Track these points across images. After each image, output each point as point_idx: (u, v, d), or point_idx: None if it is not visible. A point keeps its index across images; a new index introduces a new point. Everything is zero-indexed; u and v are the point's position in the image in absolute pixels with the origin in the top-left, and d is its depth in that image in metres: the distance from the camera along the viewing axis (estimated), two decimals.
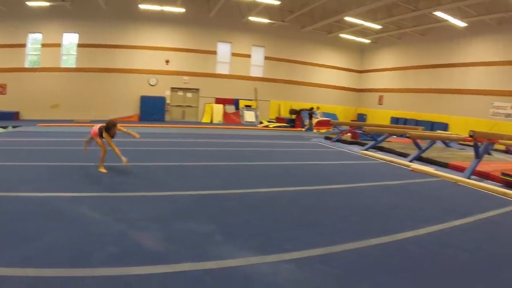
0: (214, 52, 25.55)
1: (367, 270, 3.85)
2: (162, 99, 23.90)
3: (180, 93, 24.79)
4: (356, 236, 4.78)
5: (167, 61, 23.98)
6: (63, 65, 22.18)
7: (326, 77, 29.61)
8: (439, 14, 19.90)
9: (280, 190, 7.06)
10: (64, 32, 21.95)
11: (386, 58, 29.08)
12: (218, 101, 25.57)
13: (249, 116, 25.34)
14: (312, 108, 23.82)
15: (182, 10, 22.27)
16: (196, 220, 4.98)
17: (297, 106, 25.90)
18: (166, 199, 5.94)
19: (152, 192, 6.23)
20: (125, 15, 22.44)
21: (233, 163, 9.70)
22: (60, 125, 17.28)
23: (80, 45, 22.17)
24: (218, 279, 3.41)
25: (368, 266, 3.96)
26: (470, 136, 9.83)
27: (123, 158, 7.31)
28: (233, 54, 26.18)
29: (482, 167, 10.40)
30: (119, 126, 7.70)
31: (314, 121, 22.63)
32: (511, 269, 4.25)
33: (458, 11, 19.90)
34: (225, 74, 26.02)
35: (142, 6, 21.51)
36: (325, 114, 24.92)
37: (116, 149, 7.43)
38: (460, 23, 21.04)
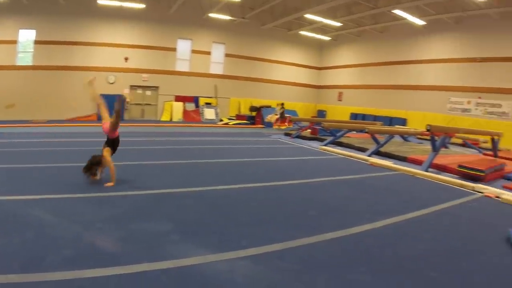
0: (174, 49, 25.14)
1: (324, 264, 3.83)
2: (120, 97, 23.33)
3: (139, 91, 24.25)
4: (313, 231, 4.75)
5: (126, 59, 23.42)
6: (19, 63, 21.34)
7: (286, 74, 29.70)
8: (398, 12, 20.21)
9: (238, 187, 6.98)
10: (20, 29, 21.13)
11: (345, 55, 29.44)
12: (178, 98, 25.16)
13: (209, 113, 25.10)
14: (283, 104, 23.98)
15: (142, 6, 21.84)
16: (154, 219, 4.88)
17: (257, 103, 25.97)
18: (123, 199, 5.78)
19: (109, 193, 6.04)
20: (84, 10, 21.74)
21: (192, 161, 9.55)
22: (17, 126, 16.58)
23: (37, 42, 21.35)
24: (174, 279, 3.33)
25: (325, 260, 3.94)
26: (427, 130, 9.96)
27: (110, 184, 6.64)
28: (193, 51, 25.79)
29: (440, 160, 10.66)
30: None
31: (274, 117, 22.57)
32: (467, 258, 4.32)
33: (416, 9, 20.36)
34: (185, 72, 25.62)
35: (101, 2, 20.94)
36: (285, 111, 24.84)
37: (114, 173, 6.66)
38: (419, 21, 21.59)
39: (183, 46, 25.45)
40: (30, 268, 3.35)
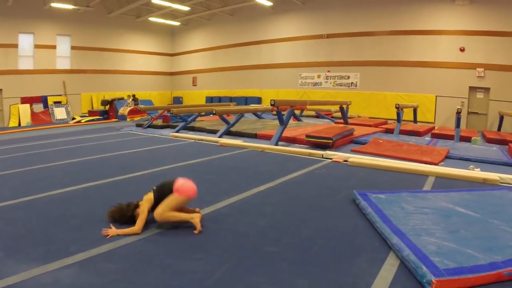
0: (16, 45, 22.72)
1: (154, 258, 3.50)
2: None
3: None
4: (147, 224, 4.29)
5: None
6: None
7: (138, 63, 28.78)
8: None
9: (75, 188, 6.28)
10: None
11: (197, 39, 29.39)
12: (24, 100, 22.92)
13: (59, 113, 23.36)
14: (134, 95, 23.17)
15: None
16: None
17: (110, 96, 24.69)
18: None
19: None
20: None
21: (30, 168, 8.51)
22: None
23: None
24: None
25: (155, 253, 3.62)
26: (272, 105, 10.08)
27: None
28: (36, 46, 23.60)
29: (290, 132, 10.95)
30: None
31: (126, 109, 21.74)
32: (309, 226, 4.26)
33: None
34: (29, 70, 23.39)
35: None
36: (141, 101, 24.11)
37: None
38: (266, 3, 22.15)
39: (25, 41, 23.19)
40: None
